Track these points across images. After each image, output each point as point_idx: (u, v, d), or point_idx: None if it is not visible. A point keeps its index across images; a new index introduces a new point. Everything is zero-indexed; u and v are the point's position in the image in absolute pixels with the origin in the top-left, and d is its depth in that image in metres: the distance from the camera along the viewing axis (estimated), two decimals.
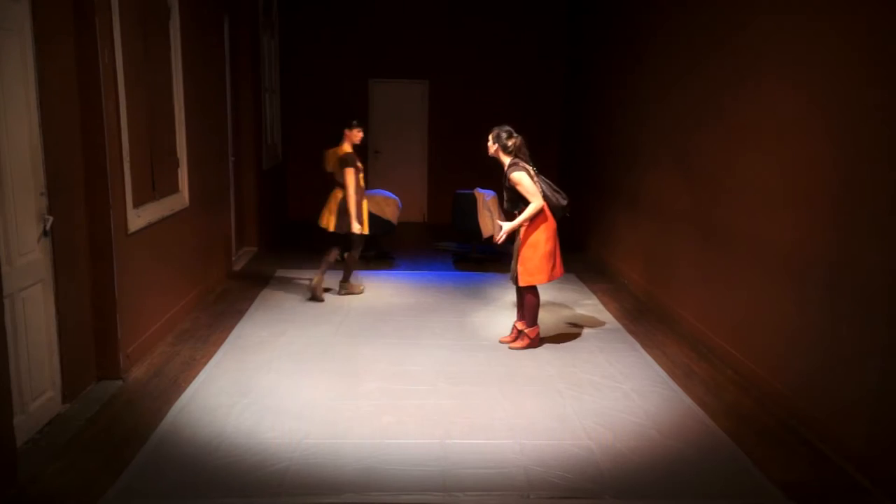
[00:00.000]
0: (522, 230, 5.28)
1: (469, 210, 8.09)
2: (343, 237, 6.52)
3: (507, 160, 5.28)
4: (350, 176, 6.24)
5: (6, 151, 3.64)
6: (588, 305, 6.73)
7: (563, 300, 6.86)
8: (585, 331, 5.97)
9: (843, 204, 3.94)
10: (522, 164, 5.24)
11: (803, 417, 4.22)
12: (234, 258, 7.90)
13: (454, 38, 10.63)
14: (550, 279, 5.36)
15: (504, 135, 5.27)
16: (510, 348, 5.48)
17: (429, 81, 10.80)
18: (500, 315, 6.34)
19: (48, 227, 4.01)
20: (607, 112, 8.48)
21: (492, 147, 5.32)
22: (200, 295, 6.40)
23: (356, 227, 6.34)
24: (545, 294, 7.08)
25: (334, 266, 6.71)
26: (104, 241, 4.52)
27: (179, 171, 5.92)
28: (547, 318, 6.26)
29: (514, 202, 5.31)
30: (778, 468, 3.80)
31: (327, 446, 3.89)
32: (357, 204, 6.34)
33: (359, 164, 6.37)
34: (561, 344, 5.62)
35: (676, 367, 5.20)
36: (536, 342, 5.51)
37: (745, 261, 5.00)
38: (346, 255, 6.64)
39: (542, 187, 5.27)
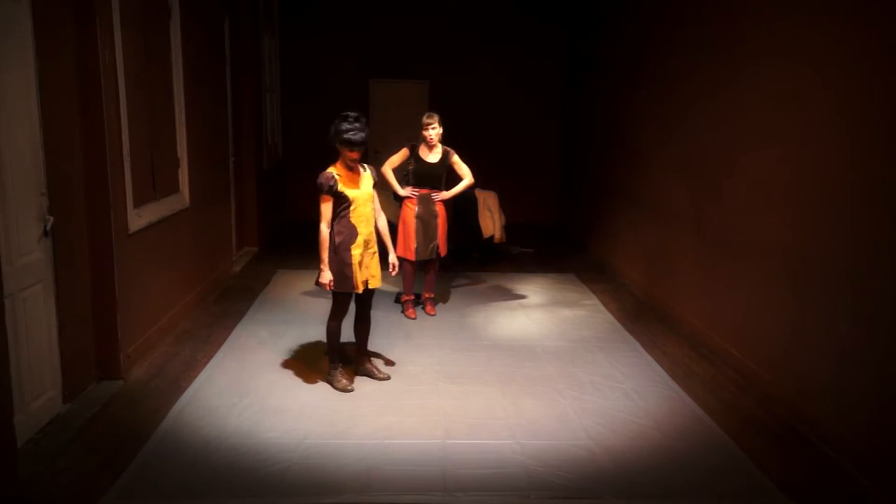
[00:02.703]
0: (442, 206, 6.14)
1: (469, 210, 8.09)
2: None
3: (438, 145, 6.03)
4: (322, 207, 4.48)
5: (7, 151, 3.64)
6: (588, 305, 6.72)
7: (563, 300, 6.86)
8: (585, 331, 5.97)
9: (844, 204, 3.94)
10: None
11: (804, 417, 4.22)
12: (234, 258, 7.90)
13: (454, 38, 10.62)
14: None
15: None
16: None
17: (429, 81, 10.80)
18: (501, 315, 6.34)
19: (49, 227, 4.01)
20: (609, 112, 8.48)
21: (440, 133, 5.97)
22: (201, 295, 6.40)
23: (325, 278, 4.51)
24: (545, 293, 7.09)
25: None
26: (105, 241, 4.52)
27: (180, 170, 5.92)
28: (547, 318, 6.26)
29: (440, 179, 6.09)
30: (778, 468, 3.80)
31: (328, 446, 3.89)
32: (338, 248, 4.50)
33: (342, 191, 4.47)
34: (561, 344, 5.62)
35: (677, 366, 5.20)
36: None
37: (745, 260, 5.00)
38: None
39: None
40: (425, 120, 6.02)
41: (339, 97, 10.66)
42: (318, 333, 5.71)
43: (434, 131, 5.95)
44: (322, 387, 4.68)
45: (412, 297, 6.28)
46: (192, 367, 4.96)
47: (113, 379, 4.65)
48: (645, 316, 6.43)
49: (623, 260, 7.68)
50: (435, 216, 6.09)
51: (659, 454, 3.92)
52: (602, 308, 6.64)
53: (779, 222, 4.58)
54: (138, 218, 4.97)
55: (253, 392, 4.57)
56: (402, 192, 6.10)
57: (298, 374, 4.89)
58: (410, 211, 6.05)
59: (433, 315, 6.28)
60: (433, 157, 6.04)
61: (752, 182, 4.91)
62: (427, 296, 6.36)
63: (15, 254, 3.72)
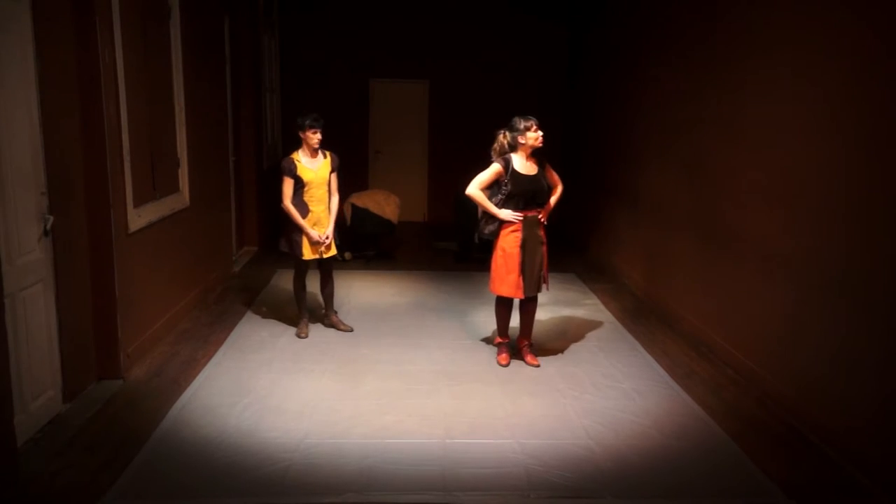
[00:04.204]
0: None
1: (470, 209, 8.07)
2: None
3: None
4: (284, 186, 5.38)
5: (6, 151, 3.65)
6: (588, 305, 6.72)
7: (564, 300, 6.86)
8: (586, 331, 5.97)
9: (845, 204, 3.94)
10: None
11: (804, 417, 4.22)
12: (234, 258, 7.90)
13: (454, 37, 10.62)
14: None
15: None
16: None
17: (429, 81, 10.80)
18: None
19: (48, 226, 4.01)
20: (609, 111, 8.48)
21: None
22: (201, 294, 6.40)
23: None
24: (545, 293, 7.07)
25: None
26: (104, 241, 4.52)
27: (180, 170, 5.92)
28: (547, 318, 6.26)
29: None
30: (778, 467, 3.80)
31: (328, 446, 3.89)
32: (295, 220, 5.40)
33: (299, 174, 5.37)
34: (561, 344, 5.62)
35: (677, 366, 5.20)
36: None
37: (746, 260, 5.00)
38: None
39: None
40: (523, 123, 4.88)
41: (339, 97, 10.69)
42: (318, 332, 5.72)
43: (539, 133, 4.88)
44: (322, 387, 4.69)
45: (507, 340, 5.25)
46: (192, 367, 4.96)
47: (113, 378, 4.65)
48: (645, 316, 6.43)
49: (623, 260, 7.68)
50: (541, 243, 4.99)
51: (659, 454, 3.92)
52: (602, 308, 6.64)
53: (778, 222, 4.58)
54: (138, 217, 4.96)
55: (253, 392, 4.57)
56: (503, 215, 4.89)
57: (298, 374, 4.89)
58: (514, 239, 4.91)
59: (537, 366, 5.10)
60: (532, 168, 4.92)
61: (752, 182, 4.91)
62: (524, 343, 5.24)
63: (15, 253, 3.72)
